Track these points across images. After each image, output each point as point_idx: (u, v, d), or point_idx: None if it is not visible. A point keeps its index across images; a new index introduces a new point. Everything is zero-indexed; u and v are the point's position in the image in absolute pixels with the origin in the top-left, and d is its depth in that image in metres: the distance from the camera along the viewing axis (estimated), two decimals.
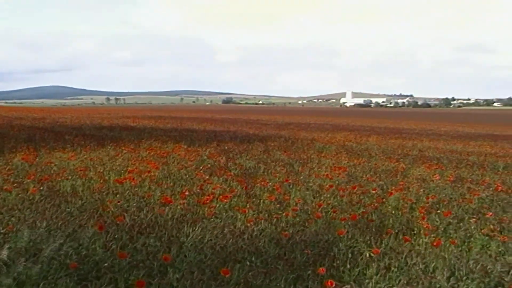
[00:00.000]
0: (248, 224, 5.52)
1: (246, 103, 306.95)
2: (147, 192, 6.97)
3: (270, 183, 8.02)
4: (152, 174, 8.29)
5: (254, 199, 6.90)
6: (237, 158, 11.61)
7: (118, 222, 5.24)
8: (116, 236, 4.81)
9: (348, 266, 4.45)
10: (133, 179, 7.56)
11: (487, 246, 5.41)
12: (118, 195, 6.69)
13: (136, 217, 5.60)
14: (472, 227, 5.93)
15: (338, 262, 4.57)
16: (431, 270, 4.49)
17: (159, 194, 6.86)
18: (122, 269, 4.01)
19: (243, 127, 29.93)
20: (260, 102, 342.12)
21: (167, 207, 6.04)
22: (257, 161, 11.17)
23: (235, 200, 6.73)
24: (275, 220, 5.81)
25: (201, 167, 9.55)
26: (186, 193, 6.89)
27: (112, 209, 5.90)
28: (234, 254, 4.58)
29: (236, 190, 7.33)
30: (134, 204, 6.19)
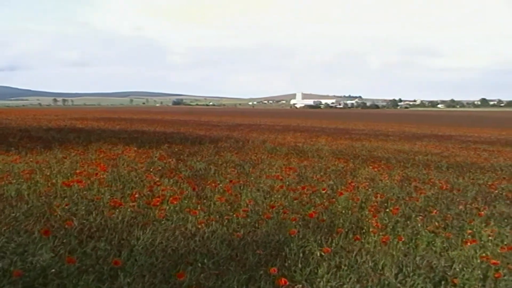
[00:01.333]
0: (199, 226, 5.50)
1: (197, 104, 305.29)
2: (96, 195, 6.84)
3: (221, 185, 8.01)
4: (102, 176, 8.13)
5: (205, 201, 6.87)
6: (188, 160, 11.55)
7: (66, 226, 5.12)
8: (64, 241, 4.69)
9: (299, 265, 4.49)
10: (82, 182, 7.40)
11: (433, 242, 5.58)
12: (66, 199, 6.53)
13: (85, 221, 5.48)
14: (419, 225, 6.10)
15: (289, 262, 4.61)
16: (380, 267, 4.58)
17: (109, 196, 6.74)
18: (71, 275, 3.92)
19: (193, 128, 29.79)
20: (211, 103, 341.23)
21: (117, 210, 5.94)
22: (208, 163, 11.14)
23: (186, 202, 6.69)
24: (226, 221, 5.81)
25: (151, 169, 9.45)
26: (136, 196, 6.81)
27: (59, 213, 5.75)
28: (185, 256, 4.55)
29: (186, 191, 7.28)
30: (83, 208, 6.05)
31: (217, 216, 6.03)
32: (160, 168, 9.78)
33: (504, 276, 4.43)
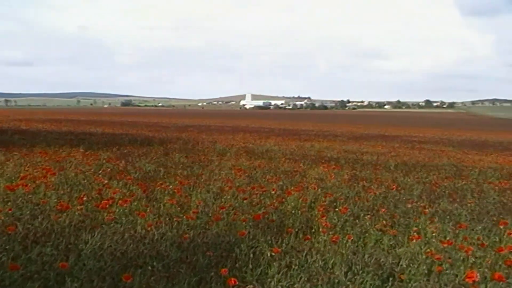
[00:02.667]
0: (149, 228, 5.43)
1: (146, 105, 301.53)
2: (42, 198, 6.64)
3: (170, 186, 7.94)
4: (48, 179, 7.91)
5: (154, 203, 6.80)
6: (137, 162, 11.41)
7: (9, 231, 4.95)
8: (7, 247, 4.53)
9: (250, 266, 4.50)
10: (27, 186, 7.17)
11: (380, 240, 5.71)
12: (9, 203, 6.31)
13: (30, 226, 5.31)
14: (367, 223, 6.22)
15: (240, 262, 4.62)
16: (330, 266, 4.65)
17: (55, 200, 6.56)
18: (14, 282, 3.80)
19: (142, 130, 29.44)
20: (160, 104, 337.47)
21: (64, 214, 5.79)
22: (157, 164, 11.03)
23: (135, 204, 6.60)
24: (176, 223, 5.76)
25: (99, 172, 9.28)
26: (84, 199, 6.67)
27: (2, 218, 5.56)
28: (135, 259, 4.49)
29: (136, 194, 7.19)
30: (28, 212, 5.86)
31: (167, 218, 5.97)
32: (108, 170, 9.62)
33: (446, 270, 4.58)
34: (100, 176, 8.72)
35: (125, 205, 6.27)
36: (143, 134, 24.64)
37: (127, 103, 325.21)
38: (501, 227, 6.28)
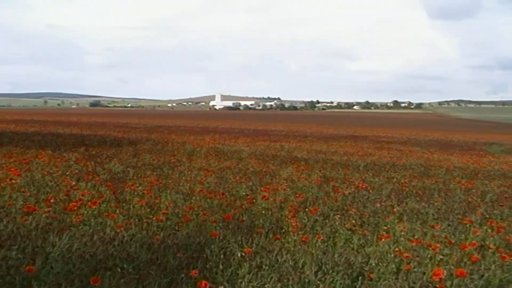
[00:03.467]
0: (118, 230, 5.37)
1: (115, 106, 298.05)
2: (7, 201, 6.52)
3: (140, 187, 7.87)
4: (14, 181, 7.76)
5: (124, 204, 6.73)
6: (106, 163, 11.29)
7: None
8: None
9: (221, 267, 4.50)
10: None
11: (350, 239, 5.76)
12: None
13: None
14: (337, 223, 6.26)
15: (211, 263, 4.61)
16: (300, 266, 4.68)
17: (22, 202, 6.43)
18: None
19: (111, 130, 29.11)
20: (129, 105, 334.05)
21: (31, 216, 5.69)
22: (127, 165, 10.93)
23: (104, 205, 6.53)
24: (146, 224, 5.72)
25: (67, 173, 9.14)
26: (52, 200, 6.54)
27: None
28: (104, 261, 4.44)
29: (105, 195, 7.11)
30: None
31: (137, 220, 5.92)
32: (77, 171, 9.48)
33: (414, 268, 4.65)
34: (68, 177, 8.59)
35: (94, 206, 6.19)
36: (112, 135, 24.37)
37: (96, 103, 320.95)
38: (467, 225, 6.40)
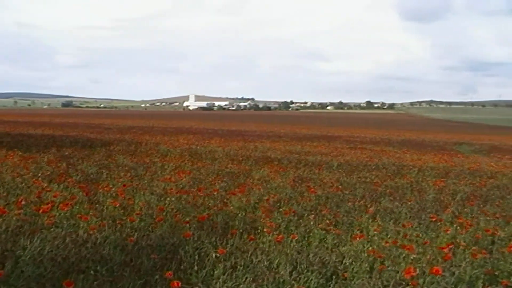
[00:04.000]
0: (91, 232, 5.30)
1: (87, 106, 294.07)
2: None
3: (113, 189, 7.80)
4: None
5: (97, 206, 6.66)
6: (79, 164, 11.16)
7: None
8: None
9: (195, 267, 4.49)
10: None
11: (324, 239, 5.80)
12: None
13: None
14: (311, 223, 6.30)
15: (185, 264, 4.59)
16: (275, 266, 4.69)
17: None
18: None
19: (84, 131, 28.75)
20: (102, 105, 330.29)
21: (0, 219, 5.58)
22: (100, 167, 10.82)
23: (77, 207, 6.45)
24: (119, 226, 5.66)
25: (39, 175, 9.00)
26: (22, 203, 6.42)
27: None
28: (77, 264, 4.38)
29: (77, 197, 7.02)
30: None
31: (110, 221, 5.85)
32: (48, 173, 9.35)
33: (387, 267, 4.70)
34: (39, 179, 8.46)
35: (66, 208, 6.10)
36: (84, 135, 24.10)
37: (68, 104, 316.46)
38: (438, 223, 6.50)
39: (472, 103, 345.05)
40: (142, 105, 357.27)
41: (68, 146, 16.17)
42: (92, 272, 4.20)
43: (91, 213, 6.11)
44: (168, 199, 7.35)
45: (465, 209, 7.88)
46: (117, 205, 6.54)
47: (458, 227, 6.32)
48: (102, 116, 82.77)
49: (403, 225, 6.34)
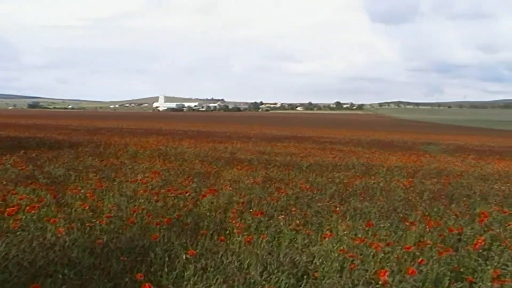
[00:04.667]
0: (60, 235, 5.23)
1: (55, 107, 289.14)
2: None
3: (82, 191, 7.70)
4: None
5: (65, 208, 6.57)
6: (46, 166, 10.97)
7: None
8: None
9: (165, 269, 4.46)
10: None
11: (294, 239, 5.83)
12: None
13: None
14: (281, 223, 6.32)
15: (155, 266, 4.57)
16: (245, 266, 4.69)
17: None
18: None
19: (51, 133, 28.29)
20: (70, 106, 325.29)
21: None
22: (68, 168, 10.66)
23: (44, 210, 6.34)
24: (88, 228, 5.60)
25: (4, 177, 8.83)
26: None
27: None
28: (44, 268, 4.31)
29: (45, 199, 6.90)
30: None
31: (79, 224, 5.78)
32: (14, 175, 9.17)
33: (357, 266, 4.74)
34: (4, 182, 8.30)
35: (33, 211, 6.00)
36: (52, 137, 23.69)
37: (34, 105, 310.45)
38: (407, 222, 6.59)
39: (439, 104, 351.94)
40: (111, 106, 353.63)
41: (35, 148, 15.89)
42: (60, 276, 4.14)
43: (59, 216, 6.02)
44: (138, 200, 7.29)
45: (433, 208, 8.01)
46: (86, 208, 6.46)
47: (426, 226, 6.42)
48: (70, 117, 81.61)
49: (373, 225, 6.41)
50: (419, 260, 4.91)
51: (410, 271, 4.39)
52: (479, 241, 5.65)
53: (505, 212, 7.67)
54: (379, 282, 4.27)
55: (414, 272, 4.36)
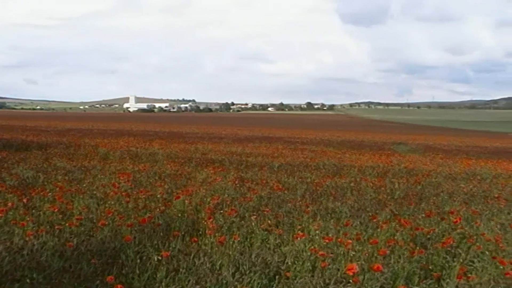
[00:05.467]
0: (28, 238, 5.14)
1: (22, 108, 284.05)
2: None
3: (51, 193, 7.58)
4: None
5: (33, 211, 6.46)
6: (13, 168, 10.78)
7: None
8: None
9: (137, 271, 4.43)
10: None
11: (266, 240, 5.85)
12: None
13: None
14: (253, 224, 6.32)
15: (127, 269, 4.53)
16: (218, 267, 4.69)
17: None
18: None
19: (19, 134, 27.77)
20: (38, 107, 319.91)
21: None
22: (36, 170, 10.50)
23: (12, 213, 6.23)
24: (58, 231, 5.51)
25: None
26: None
27: None
28: (11, 272, 4.23)
29: (12, 202, 6.78)
30: None
31: (48, 227, 5.70)
32: None
33: (329, 265, 4.78)
34: None
35: (0, 215, 5.89)
36: (19, 138, 23.24)
37: (1, 105, 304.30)
38: (377, 221, 6.67)
39: (408, 105, 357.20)
40: (81, 107, 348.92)
41: (1, 150, 15.59)
42: (28, 280, 4.08)
43: (27, 219, 5.91)
44: (109, 202, 7.22)
45: (403, 207, 8.11)
46: (55, 210, 6.37)
47: (396, 225, 6.50)
48: (38, 118, 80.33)
49: (344, 224, 6.46)
50: (387, 256, 4.97)
51: (375, 267, 4.43)
52: (447, 238, 5.77)
53: (472, 211, 7.84)
54: (350, 281, 4.31)
55: (379, 268, 4.41)
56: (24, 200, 6.98)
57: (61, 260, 4.60)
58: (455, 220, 6.75)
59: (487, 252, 5.35)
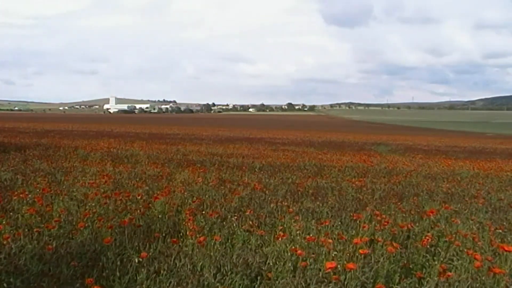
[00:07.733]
0: (5, 242, 5.06)
1: (0, 109, 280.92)
2: None
3: (29, 195, 7.48)
4: None
5: (11, 214, 6.37)
6: None
7: None
8: None
9: (118, 274, 4.40)
10: None
11: (248, 240, 5.84)
12: None
13: None
14: (234, 225, 6.32)
15: (107, 271, 4.49)
16: (199, 269, 4.67)
17: None
18: None
19: None
20: (17, 108, 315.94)
21: None
22: (15, 172, 10.36)
23: None
24: (36, 234, 5.44)
25: None
26: None
27: None
28: None
29: None
30: None
31: (26, 229, 5.62)
32: None
33: (310, 265, 4.79)
34: None
35: None
36: None
37: None
38: (358, 221, 6.70)
39: (388, 105, 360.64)
40: (61, 108, 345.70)
41: None
42: (5, 285, 4.02)
43: (4, 222, 5.83)
44: (89, 204, 7.15)
45: (383, 207, 8.16)
46: (34, 213, 6.29)
47: (376, 224, 6.54)
48: (16, 119, 79.37)
49: (325, 224, 6.48)
50: (368, 255, 5.00)
51: (350, 265, 4.45)
52: (427, 237, 5.83)
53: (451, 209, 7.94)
54: (332, 281, 4.32)
55: (354, 267, 4.43)
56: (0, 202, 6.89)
57: (40, 264, 4.54)
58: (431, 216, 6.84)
59: (465, 250, 5.41)
